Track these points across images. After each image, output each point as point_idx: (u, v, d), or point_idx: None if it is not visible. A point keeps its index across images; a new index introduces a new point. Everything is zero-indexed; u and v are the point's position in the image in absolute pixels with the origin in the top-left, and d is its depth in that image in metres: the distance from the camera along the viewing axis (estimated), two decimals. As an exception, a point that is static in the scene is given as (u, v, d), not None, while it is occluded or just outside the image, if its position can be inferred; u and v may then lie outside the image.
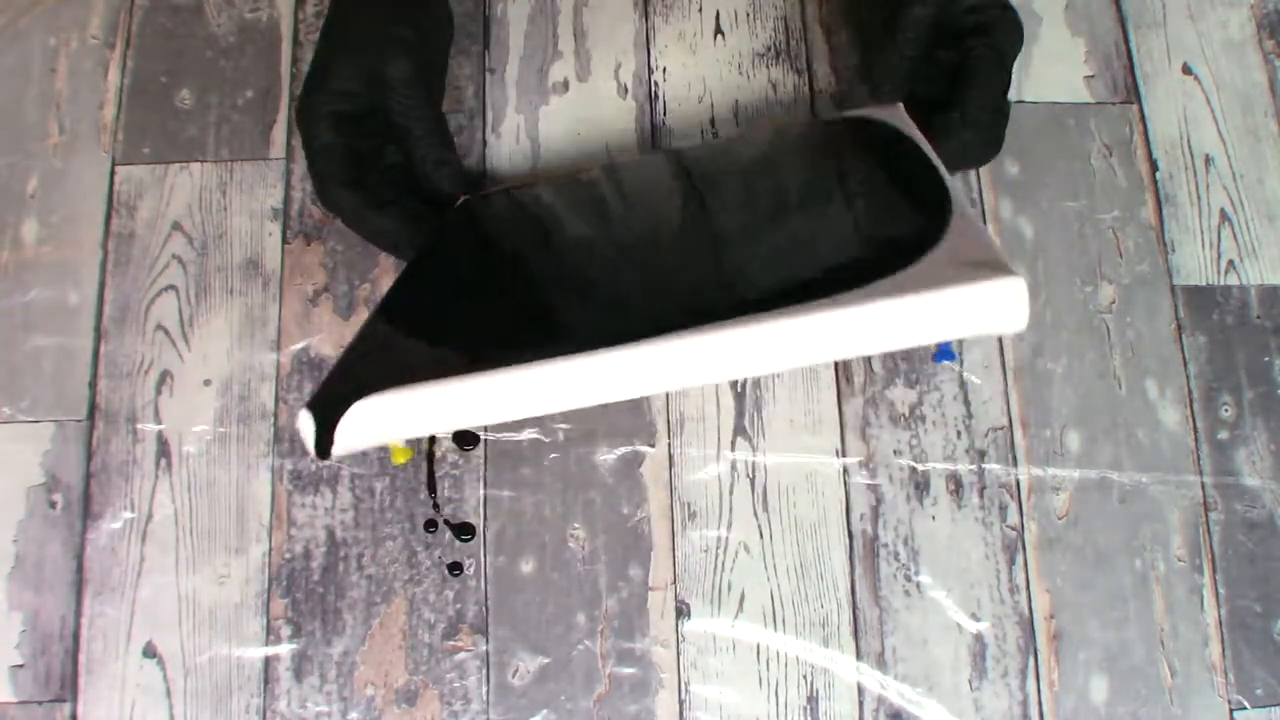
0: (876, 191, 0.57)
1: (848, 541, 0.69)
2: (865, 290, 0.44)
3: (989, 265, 0.44)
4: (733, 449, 0.70)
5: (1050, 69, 0.80)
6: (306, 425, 0.47)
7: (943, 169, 0.53)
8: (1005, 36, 0.64)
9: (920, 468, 0.71)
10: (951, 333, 0.45)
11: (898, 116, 0.64)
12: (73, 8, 0.78)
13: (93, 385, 0.70)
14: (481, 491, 0.69)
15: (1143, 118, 0.79)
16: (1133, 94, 0.80)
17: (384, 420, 0.47)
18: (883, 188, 0.58)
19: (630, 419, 0.71)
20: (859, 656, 0.68)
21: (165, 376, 0.70)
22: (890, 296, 0.43)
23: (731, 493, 0.70)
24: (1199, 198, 0.78)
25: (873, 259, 0.48)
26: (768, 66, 0.78)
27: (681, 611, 0.68)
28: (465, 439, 0.69)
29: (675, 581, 0.68)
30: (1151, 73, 0.81)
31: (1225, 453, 0.73)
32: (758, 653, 0.67)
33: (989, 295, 0.44)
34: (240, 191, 0.74)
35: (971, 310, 0.44)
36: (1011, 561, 0.70)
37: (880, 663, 0.68)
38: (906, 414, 0.72)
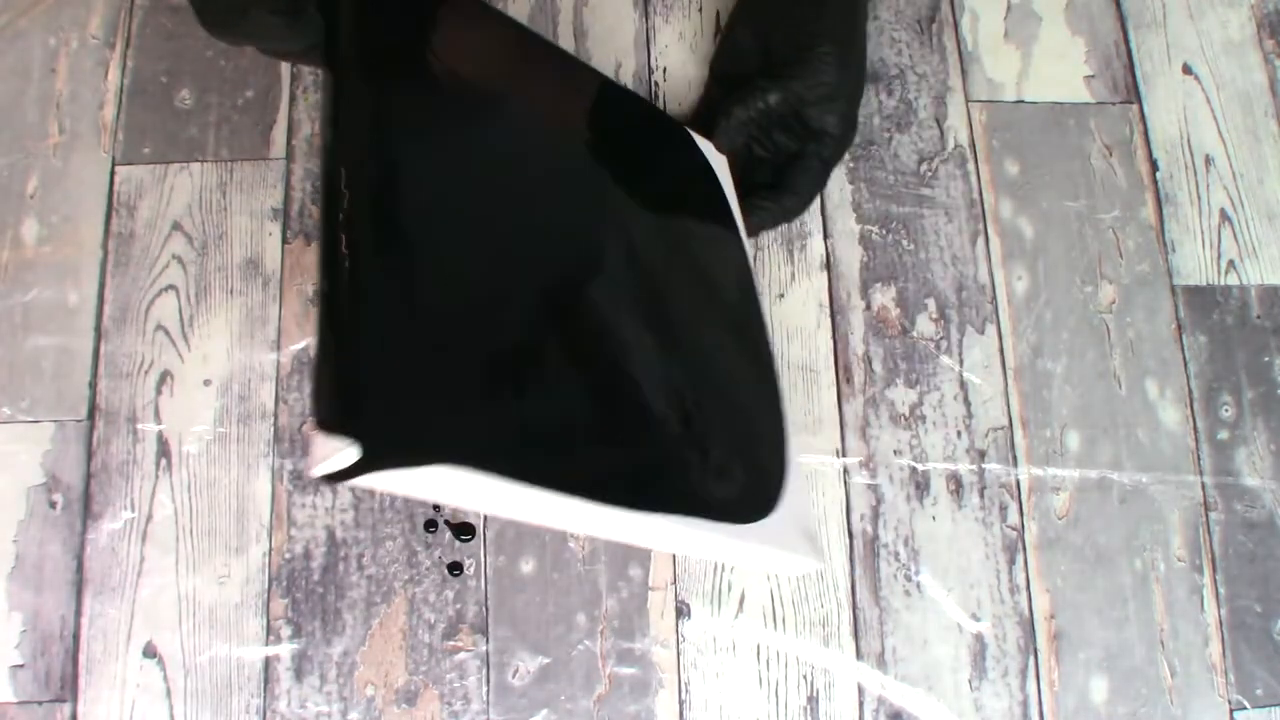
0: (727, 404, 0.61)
1: (848, 541, 0.69)
2: (733, 528, 0.54)
3: (810, 540, 0.59)
4: (733, 449, 0.70)
5: (1050, 69, 0.80)
6: (343, 453, 0.38)
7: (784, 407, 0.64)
8: (837, 148, 0.69)
9: (920, 468, 0.71)
10: (759, 566, 0.61)
11: (723, 168, 0.70)
12: (73, 8, 0.78)
13: (93, 385, 0.70)
14: (481, 491, 0.69)
15: (1143, 118, 0.79)
16: (1133, 94, 0.80)
17: (422, 483, 0.42)
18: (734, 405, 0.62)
19: (630, 419, 0.71)
20: (859, 656, 0.68)
21: (165, 376, 0.70)
22: (749, 540, 0.55)
23: (731, 493, 0.70)
24: (1199, 198, 0.78)
25: (735, 500, 0.56)
26: (768, 66, 0.78)
27: (681, 611, 0.68)
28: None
29: (675, 581, 0.68)
30: (1151, 73, 0.81)
31: (1225, 453, 0.73)
32: (758, 653, 0.67)
33: (803, 565, 0.59)
34: (240, 191, 0.74)
35: (784, 565, 0.59)
36: (1011, 561, 0.70)
37: (880, 663, 0.68)
38: (906, 414, 0.72)
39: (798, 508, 0.60)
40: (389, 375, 0.43)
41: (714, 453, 0.57)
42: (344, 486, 0.69)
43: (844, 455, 0.71)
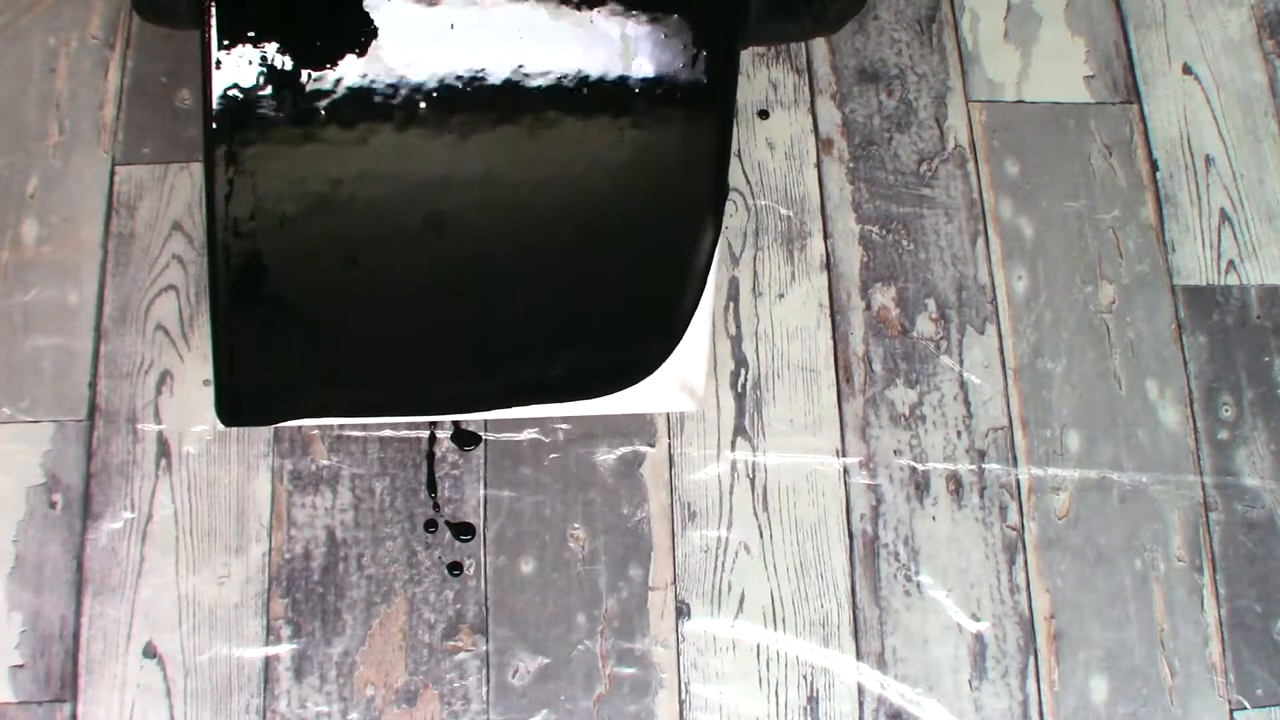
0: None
1: (848, 541, 0.69)
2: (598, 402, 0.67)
3: (690, 392, 0.69)
4: (733, 449, 0.70)
5: (1050, 69, 0.80)
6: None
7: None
8: None
9: (920, 468, 0.71)
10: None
11: None
12: (73, 8, 0.78)
13: (93, 385, 0.70)
14: (481, 491, 0.69)
15: (1143, 118, 0.79)
16: (1133, 94, 0.80)
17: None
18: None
19: (630, 419, 0.71)
20: (859, 656, 0.68)
21: (165, 376, 0.70)
22: (603, 408, 0.67)
23: (731, 493, 0.70)
24: (1199, 198, 0.78)
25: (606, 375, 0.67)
26: (768, 66, 0.78)
27: (681, 611, 0.68)
28: (465, 439, 0.69)
29: (675, 581, 0.68)
30: (1151, 73, 0.81)
31: (1225, 453, 0.73)
32: (758, 653, 0.67)
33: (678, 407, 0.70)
34: (240, 191, 0.74)
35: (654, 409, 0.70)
36: (1012, 561, 0.70)
37: (880, 663, 0.68)
38: (906, 414, 0.72)
39: (686, 363, 0.68)
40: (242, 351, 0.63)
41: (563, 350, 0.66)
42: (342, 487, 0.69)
43: (844, 455, 0.71)
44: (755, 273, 0.73)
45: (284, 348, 0.64)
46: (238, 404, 0.64)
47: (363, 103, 0.61)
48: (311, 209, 0.62)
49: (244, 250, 0.61)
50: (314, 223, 0.62)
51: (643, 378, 0.66)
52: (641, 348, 0.67)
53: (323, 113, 0.61)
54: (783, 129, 0.77)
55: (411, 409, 0.67)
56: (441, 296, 0.65)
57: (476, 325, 0.66)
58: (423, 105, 0.62)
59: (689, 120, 0.64)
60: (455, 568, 0.68)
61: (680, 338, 0.67)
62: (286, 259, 0.62)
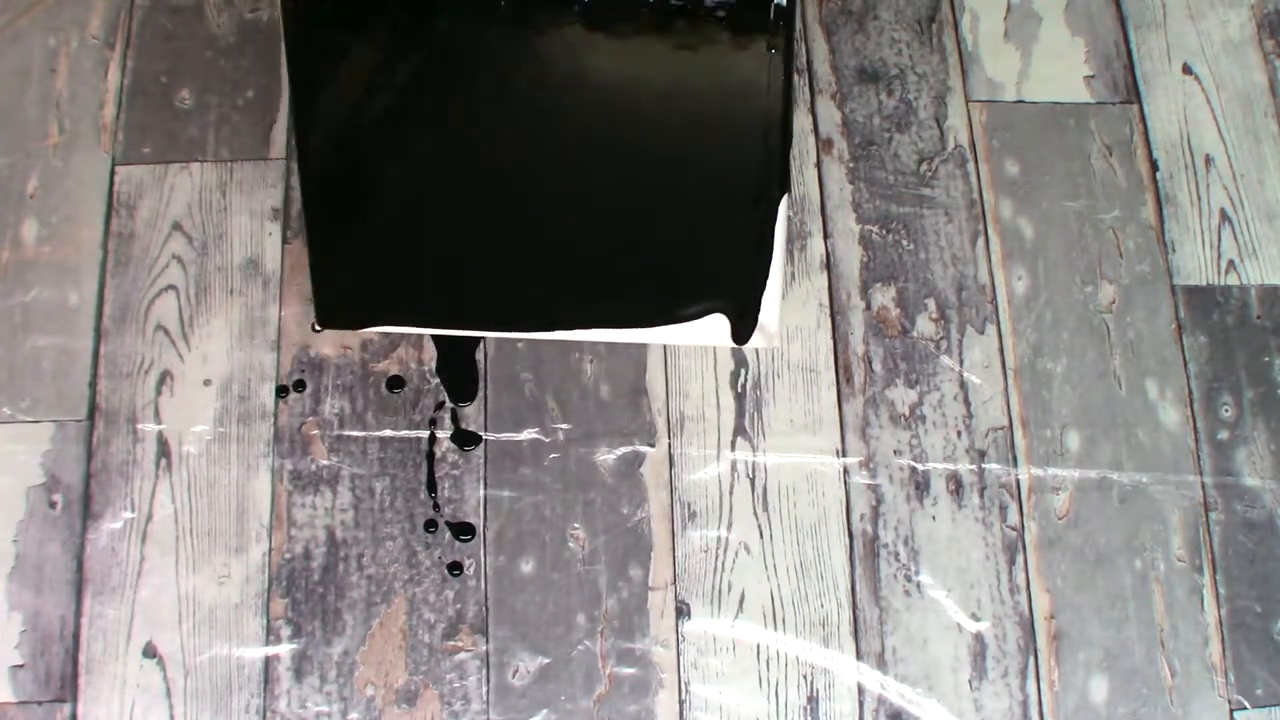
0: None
1: (848, 541, 0.69)
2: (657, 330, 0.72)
3: (763, 327, 0.71)
4: (733, 449, 0.70)
5: (1050, 69, 0.80)
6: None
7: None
8: None
9: (920, 468, 0.71)
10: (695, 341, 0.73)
11: None
12: (73, 8, 0.78)
13: (93, 385, 0.70)
14: (481, 491, 0.69)
15: (1143, 118, 0.79)
16: (1133, 94, 0.80)
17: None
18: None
19: (630, 419, 0.71)
20: (859, 656, 0.68)
21: (165, 376, 0.70)
22: (674, 336, 0.72)
23: (731, 493, 0.70)
24: (1199, 198, 0.78)
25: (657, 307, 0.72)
26: (768, 66, 0.78)
27: (681, 611, 0.68)
28: (465, 439, 0.69)
29: (675, 581, 0.68)
30: (1151, 73, 0.81)
31: (1225, 453, 0.73)
32: (758, 653, 0.67)
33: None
34: (240, 191, 0.74)
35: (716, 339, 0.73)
36: (1012, 561, 0.70)
37: (880, 663, 0.68)
38: (906, 414, 0.72)
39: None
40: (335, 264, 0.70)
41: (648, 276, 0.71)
42: (344, 487, 0.69)
43: (844, 455, 0.71)
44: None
45: (373, 253, 0.70)
46: (333, 305, 0.70)
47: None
48: (400, 126, 0.68)
49: (334, 157, 0.68)
50: (405, 139, 0.68)
51: (711, 313, 0.71)
52: (716, 282, 0.70)
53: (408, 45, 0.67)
54: (783, 129, 0.77)
55: (495, 323, 0.72)
56: (536, 217, 0.71)
57: (562, 244, 0.71)
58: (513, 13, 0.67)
59: (753, 37, 0.67)
60: (455, 568, 0.68)
61: (753, 267, 0.70)
62: (376, 168, 0.68)
